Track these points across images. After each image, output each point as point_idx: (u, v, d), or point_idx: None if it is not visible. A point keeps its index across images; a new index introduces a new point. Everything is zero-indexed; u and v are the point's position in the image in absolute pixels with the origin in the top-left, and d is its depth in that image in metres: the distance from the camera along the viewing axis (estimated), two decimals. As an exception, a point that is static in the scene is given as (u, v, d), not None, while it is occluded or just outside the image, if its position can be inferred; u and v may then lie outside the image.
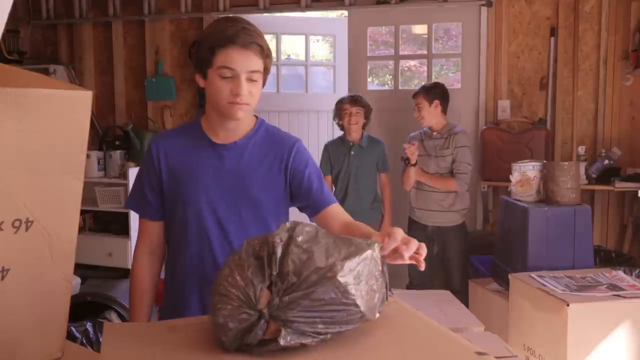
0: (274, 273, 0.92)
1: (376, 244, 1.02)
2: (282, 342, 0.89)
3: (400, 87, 4.68)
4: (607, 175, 3.74)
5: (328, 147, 3.78)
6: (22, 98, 0.94)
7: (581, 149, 3.90)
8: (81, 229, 4.18)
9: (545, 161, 3.04)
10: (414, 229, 3.58)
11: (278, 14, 4.57)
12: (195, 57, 1.56)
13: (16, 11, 4.79)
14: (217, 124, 1.59)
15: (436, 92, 3.53)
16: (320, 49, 8.56)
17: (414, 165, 3.47)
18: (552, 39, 4.00)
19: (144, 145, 4.41)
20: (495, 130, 3.96)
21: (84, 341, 2.86)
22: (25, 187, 0.98)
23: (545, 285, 2.42)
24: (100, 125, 4.80)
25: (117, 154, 4.42)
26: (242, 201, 1.58)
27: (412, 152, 3.43)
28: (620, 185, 3.62)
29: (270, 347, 0.91)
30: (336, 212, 1.58)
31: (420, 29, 6.42)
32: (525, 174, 2.94)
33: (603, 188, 3.78)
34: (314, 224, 1.01)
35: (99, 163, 4.37)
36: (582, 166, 3.69)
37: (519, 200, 2.93)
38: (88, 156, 4.21)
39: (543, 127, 3.92)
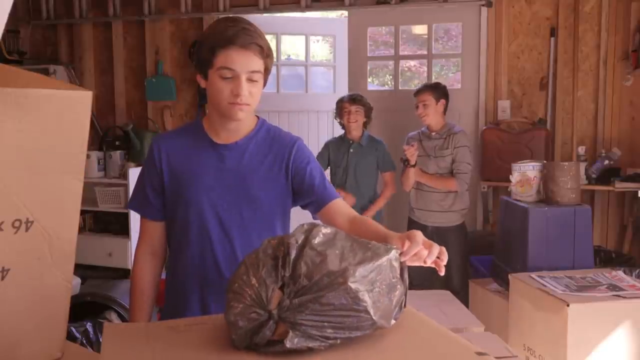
0: (287, 274, 0.92)
1: (394, 250, 1.00)
2: (288, 344, 0.89)
3: (400, 88, 4.68)
4: (607, 175, 3.74)
5: (329, 145, 3.79)
6: (22, 98, 0.94)
7: (581, 149, 3.90)
8: (81, 229, 4.18)
9: (545, 161, 3.04)
10: (414, 229, 3.57)
11: (278, 14, 4.57)
12: (196, 58, 1.56)
13: (16, 11, 4.79)
14: (218, 124, 1.59)
15: (442, 91, 3.54)
16: (320, 49, 8.56)
17: (414, 166, 3.47)
18: (552, 39, 4.00)
19: (144, 145, 4.41)
20: (495, 130, 3.96)
21: (84, 341, 2.85)
22: (25, 187, 0.98)
23: (545, 286, 2.42)
24: (100, 126, 4.80)
25: (117, 154, 4.42)
26: (243, 201, 1.58)
27: (412, 153, 3.43)
28: (620, 186, 3.62)
29: (276, 348, 0.91)
30: (340, 207, 1.57)
31: (420, 29, 6.42)
32: (525, 174, 2.94)
33: (603, 188, 3.78)
34: (333, 227, 1.00)
35: (99, 163, 4.37)
36: (582, 166, 3.69)
37: (519, 201, 2.93)
38: (88, 156, 4.21)
39: (543, 128, 3.92)
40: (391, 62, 4.81)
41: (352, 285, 0.89)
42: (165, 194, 1.63)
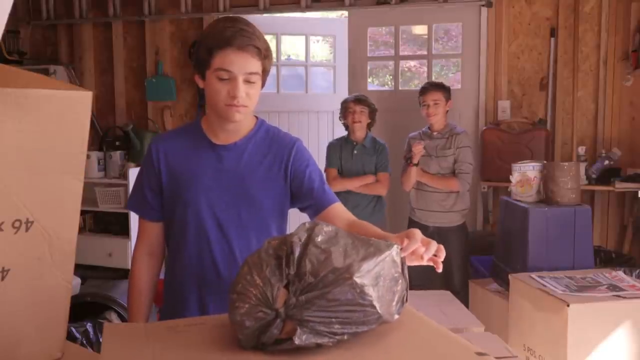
0: (292, 272, 0.93)
1: (395, 245, 1.02)
2: (297, 341, 0.89)
3: (400, 88, 4.69)
4: (607, 175, 3.74)
5: (333, 146, 3.75)
6: (22, 98, 0.94)
7: (581, 150, 3.90)
8: (81, 229, 4.18)
9: (545, 162, 3.04)
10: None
11: (278, 15, 4.57)
12: (194, 58, 1.55)
13: (16, 11, 4.79)
14: (216, 125, 1.59)
15: (449, 91, 3.54)
16: (320, 50, 8.56)
17: (416, 165, 3.46)
18: (552, 39, 4.00)
19: (144, 145, 4.41)
20: (495, 130, 3.96)
21: (84, 341, 2.85)
22: (25, 188, 0.98)
23: (545, 286, 2.42)
24: (100, 126, 4.80)
25: (117, 155, 4.42)
26: (241, 202, 1.57)
27: (419, 150, 3.41)
28: (620, 186, 3.62)
29: (284, 346, 0.91)
30: (339, 211, 1.57)
31: (420, 30, 6.42)
32: (525, 174, 2.94)
33: (603, 188, 3.78)
34: (334, 226, 1.01)
35: (99, 163, 4.37)
36: (582, 166, 3.69)
37: (519, 201, 2.93)
38: (88, 156, 4.21)
39: (543, 128, 3.92)
40: (391, 62, 4.82)
41: (358, 280, 0.91)
42: (164, 195, 1.63)
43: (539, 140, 3.85)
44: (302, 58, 5.29)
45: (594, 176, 3.77)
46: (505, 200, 3.09)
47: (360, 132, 3.65)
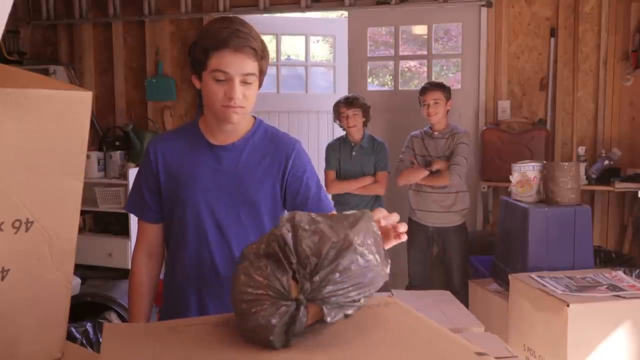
0: (294, 261, 0.94)
1: (368, 211, 1.07)
2: (328, 319, 0.92)
3: (400, 88, 4.68)
4: (607, 175, 3.74)
5: (332, 148, 3.74)
6: (22, 98, 0.94)
7: (581, 150, 3.90)
8: (81, 230, 4.19)
9: (545, 162, 3.04)
10: (415, 230, 3.56)
11: (278, 15, 4.57)
12: (191, 59, 1.55)
13: (16, 11, 4.79)
14: (214, 126, 1.59)
15: (449, 91, 3.53)
16: (320, 50, 8.56)
17: (431, 171, 3.46)
18: (552, 39, 4.00)
19: (144, 145, 4.40)
20: (495, 130, 3.96)
21: (84, 341, 2.85)
22: (25, 188, 0.98)
23: (545, 286, 2.42)
24: (100, 126, 4.80)
25: (117, 155, 4.42)
26: (240, 202, 1.57)
27: (443, 167, 3.43)
28: (620, 186, 3.63)
29: (317, 329, 0.95)
30: None
31: (420, 30, 6.42)
32: (525, 174, 2.94)
33: (603, 188, 3.78)
34: (304, 212, 1.02)
35: (99, 163, 4.38)
36: (582, 166, 3.69)
37: (519, 201, 2.93)
38: (88, 157, 4.22)
39: (543, 128, 3.92)
40: (391, 63, 4.82)
41: (358, 246, 0.95)
42: (162, 195, 1.63)
43: (539, 140, 3.85)
44: (302, 58, 5.30)
45: (594, 176, 3.77)
46: (505, 200, 3.09)
47: (357, 134, 3.64)
